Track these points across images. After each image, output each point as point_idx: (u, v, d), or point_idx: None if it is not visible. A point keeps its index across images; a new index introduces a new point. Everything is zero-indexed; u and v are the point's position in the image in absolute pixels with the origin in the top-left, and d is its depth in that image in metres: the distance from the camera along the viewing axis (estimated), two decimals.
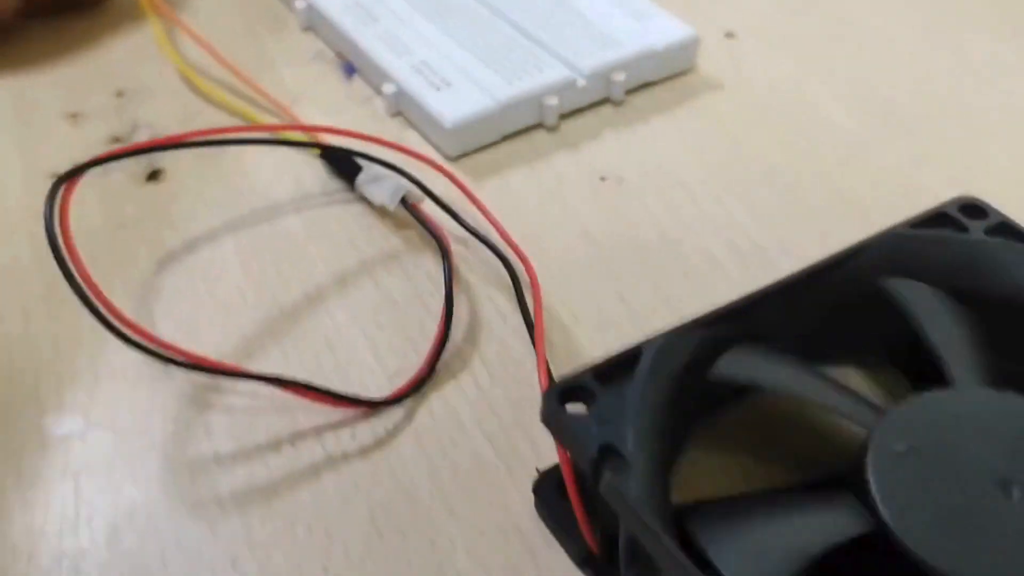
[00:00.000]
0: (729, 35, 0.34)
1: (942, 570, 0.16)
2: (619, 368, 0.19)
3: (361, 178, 0.26)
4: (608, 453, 0.17)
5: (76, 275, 0.19)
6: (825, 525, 0.17)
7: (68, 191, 0.20)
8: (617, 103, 0.31)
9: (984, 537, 0.16)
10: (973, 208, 0.22)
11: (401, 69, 0.30)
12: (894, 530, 0.16)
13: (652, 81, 0.32)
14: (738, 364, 0.19)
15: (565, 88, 0.30)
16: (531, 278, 0.23)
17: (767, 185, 0.28)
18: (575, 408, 0.18)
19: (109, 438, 0.22)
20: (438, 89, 0.29)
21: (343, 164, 0.27)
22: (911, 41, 0.34)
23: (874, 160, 0.29)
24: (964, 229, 0.22)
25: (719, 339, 0.20)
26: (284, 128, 0.29)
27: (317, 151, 0.28)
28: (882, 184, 0.28)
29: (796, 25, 0.35)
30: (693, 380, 0.19)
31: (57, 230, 0.20)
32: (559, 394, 0.18)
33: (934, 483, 0.17)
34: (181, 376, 0.23)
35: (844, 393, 0.19)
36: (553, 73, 0.30)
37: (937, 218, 0.22)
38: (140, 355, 0.21)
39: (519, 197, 0.28)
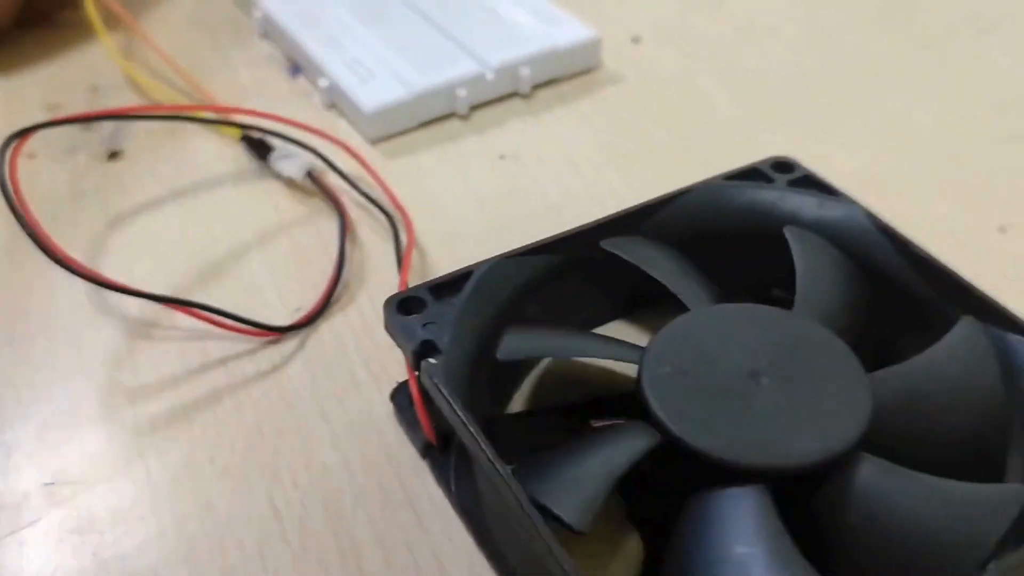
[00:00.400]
0: (635, 39, 0.39)
1: (720, 456, 0.19)
2: (452, 285, 0.22)
3: (273, 156, 0.31)
4: (428, 347, 0.21)
5: (20, 212, 0.24)
6: (625, 449, 0.20)
7: (17, 148, 0.25)
8: (524, 96, 0.35)
9: (745, 420, 0.20)
10: (783, 164, 0.26)
11: (334, 64, 0.34)
12: (678, 435, 0.19)
13: (559, 78, 0.36)
14: (520, 341, 0.22)
15: (475, 81, 0.34)
16: (408, 229, 0.27)
17: (646, 161, 0.32)
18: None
19: (49, 360, 0.26)
20: (364, 81, 0.33)
21: (257, 146, 0.31)
22: (796, 39, 0.38)
23: (745, 139, 0.33)
24: (771, 181, 0.25)
25: (548, 266, 0.24)
26: (208, 108, 0.33)
27: (239, 134, 0.32)
28: (748, 158, 0.32)
29: (697, 29, 0.39)
30: (520, 299, 0.23)
31: (7, 179, 0.24)
32: (397, 303, 0.22)
33: (699, 389, 0.20)
34: (116, 312, 0.27)
35: (611, 343, 0.23)
36: (464, 67, 0.34)
37: (750, 172, 0.26)
38: (82, 290, 0.25)
39: (426, 173, 0.32)
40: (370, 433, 0.24)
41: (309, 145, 0.31)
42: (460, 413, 0.19)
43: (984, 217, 0.30)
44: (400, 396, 0.24)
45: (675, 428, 0.19)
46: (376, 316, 0.27)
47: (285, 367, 0.26)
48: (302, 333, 0.26)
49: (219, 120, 0.32)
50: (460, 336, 0.21)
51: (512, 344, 0.22)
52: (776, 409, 0.20)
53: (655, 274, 0.23)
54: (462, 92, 0.33)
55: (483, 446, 0.19)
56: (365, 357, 0.26)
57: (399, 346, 0.22)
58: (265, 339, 0.26)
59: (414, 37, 0.36)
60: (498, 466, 0.18)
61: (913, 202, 0.30)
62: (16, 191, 0.24)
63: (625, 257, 0.23)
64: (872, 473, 0.19)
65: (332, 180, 0.31)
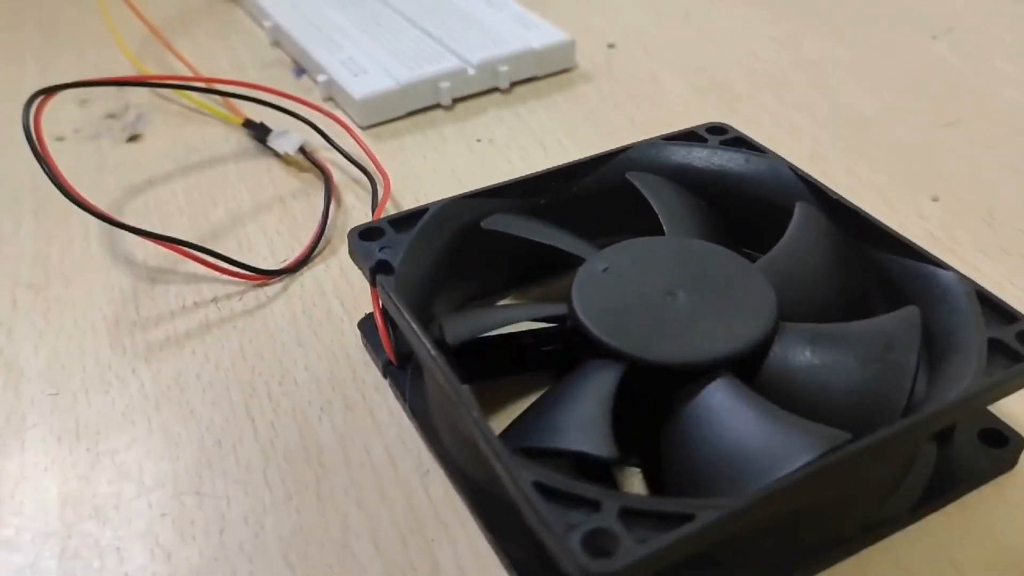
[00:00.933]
0: (611, 45, 0.42)
1: (614, 346, 0.22)
2: (409, 219, 0.25)
3: (271, 136, 0.34)
4: (383, 266, 0.24)
5: (42, 156, 0.27)
6: (601, 379, 0.22)
7: (42, 105, 0.28)
8: (504, 91, 0.38)
9: (654, 326, 0.22)
10: (717, 128, 0.29)
11: (331, 62, 0.38)
12: (580, 317, 0.22)
13: (536, 76, 0.39)
14: (500, 221, 0.26)
15: (457, 75, 0.37)
16: (385, 188, 0.31)
17: (609, 142, 0.34)
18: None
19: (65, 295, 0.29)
20: (356, 75, 0.37)
21: (257, 128, 0.35)
22: (758, 45, 0.41)
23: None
24: (705, 141, 0.28)
25: (496, 209, 0.26)
26: (217, 81, 0.37)
27: (241, 120, 0.36)
28: None
29: (666, 37, 0.43)
30: (470, 235, 0.26)
31: (32, 132, 0.28)
32: (359, 232, 0.25)
33: (619, 291, 0.23)
34: (123, 258, 0.30)
35: (573, 236, 0.26)
36: (448, 63, 0.37)
37: (687, 134, 0.29)
38: (95, 237, 0.28)
39: (408, 151, 0.35)
40: (339, 356, 0.27)
41: (306, 118, 0.34)
42: (406, 314, 0.22)
43: (919, 188, 0.32)
44: (366, 324, 0.27)
45: (582, 314, 0.22)
46: (352, 266, 0.30)
47: (269, 304, 0.29)
48: (286, 279, 0.29)
49: (228, 93, 0.35)
50: (412, 258, 0.24)
51: (455, 329, 0.23)
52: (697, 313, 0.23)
53: (653, 201, 0.26)
54: (445, 84, 0.37)
55: (421, 336, 0.21)
56: (340, 297, 0.29)
57: (359, 266, 0.24)
58: (253, 282, 0.29)
59: (404, 40, 0.39)
60: (433, 352, 0.21)
61: (853, 174, 0.33)
62: (40, 140, 0.28)
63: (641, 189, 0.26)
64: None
65: (323, 155, 0.34)
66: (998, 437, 0.23)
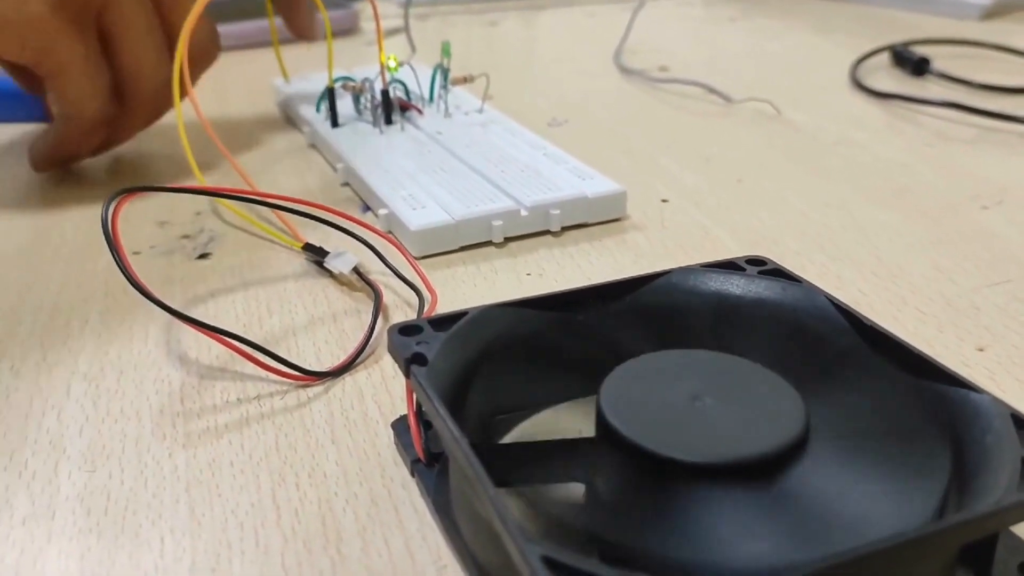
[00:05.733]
0: (664, 200, 0.44)
1: (650, 448, 0.22)
2: (449, 320, 0.26)
3: (328, 258, 0.36)
4: (418, 358, 0.25)
5: (117, 250, 0.29)
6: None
7: (120, 204, 0.30)
8: (555, 233, 0.40)
9: (680, 429, 0.23)
10: (756, 260, 0.29)
11: (393, 198, 0.40)
12: (615, 427, 0.23)
13: (588, 223, 0.41)
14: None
15: (509, 215, 0.39)
16: (432, 300, 0.32)
17: None
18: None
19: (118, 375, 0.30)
20: (414, 209, 0.39)
21: (316, 251, 0.37)
22: (810, 206, 0.43)
23: None
24: (742, 270, 0.29)
25: (531, 318, 0.27)
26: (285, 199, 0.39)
27: (300, 244, 0.38)
28: None
29: (719, 196, 0.44)
30: (504, 341, 0.27)
31: (110, 227, 0.30)
32: (399, 329, 0.26)
33: (647, 399, 0.23)
34: (177, 355, 0.32)
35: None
36: (501, 204, 0.39)
37: (726, 264, 0.29)
38: (155, 334, 0.30)
39: (459, 279, 0.37)
40: (371, 454, 0.27)
41: (365, 240, 0.36)
42: (434, 400, 0.23)
43: (966, 340, 0.32)
44: (400, 424, 0.27)
45: (616, 424, 0.22)
46: (394, 374, 0.30)
47: (309, 404, 0.29)
48: (328, 381, 0.30)
49: (298, 211, 0.37)
50: (446, 354, 0.25)
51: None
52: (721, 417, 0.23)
53: None
54: (498, 223, 0.39)
55: (447, 420, 0.22)
56: (378, 402, 0.29)
57: (395, 359, 0.25)
58: (297, 383, 0.30)
59: (463, 182, 0.42)
60: (456, 434, 0.21)
61: (899, 324, 0.33)
62: (115, 235, 0.30)
63: None
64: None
65: (376, 277, 0.35)
66: None
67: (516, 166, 0.43)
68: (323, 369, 0.30)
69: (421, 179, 0.42)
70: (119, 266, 0.29)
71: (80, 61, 0.41)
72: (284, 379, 0.30)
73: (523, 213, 0.39)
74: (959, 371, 0.29)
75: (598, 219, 0.41)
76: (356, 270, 0.35)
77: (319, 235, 0.38)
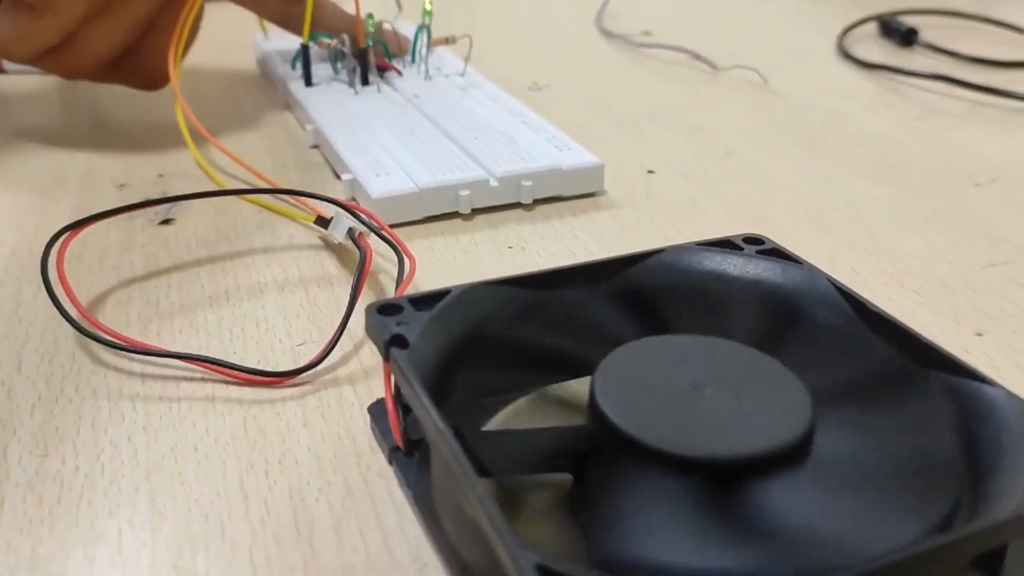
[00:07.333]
0: (650, 171, 0.42)
1: (649, 443, 0.20)
2: (430, 299, 0.24)
3: (330, 226, 0.34)
4: (398, 339, 0.23)
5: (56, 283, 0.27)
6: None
7: (66, 242, 0.29)
8: (526, 206, 0.38)
9: (682, 419, 0.21)
10: (754, 239, 0.28)
11: (358, 163, 0.39)
12: (610, 418, 0.21)
13: (562, 196, 0.39)
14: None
15: (478, 185, 0.37)
16: (411, 270, 0.30)
17: None
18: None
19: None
20: (378, 176, 0.37)
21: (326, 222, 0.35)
22: (800, 180, 0.41)
23: None
24: (740, 250, 0.27)
25: (516, 297, 0.26)
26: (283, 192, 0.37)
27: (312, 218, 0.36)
28: None
29: (707, 168, 0.43)
30: (488, 323, 0.25)
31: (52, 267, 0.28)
32: (377, 307, 0.24)
33: (645, 388, 0.22)
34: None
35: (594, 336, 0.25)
36: (471, 173, 0.38)
37: (722, 242, 0.28)
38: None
39: (438, 252, 0.35)
40: (345, 439, 0.25)
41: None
42: (417, 388, 0.21)
43: (964, 324, 0.31)
44: (376, 409, 0.26)
45: (611, 415, 0.21)
46: (370, 352, 0.29)
47: (277, 385, 0.27)
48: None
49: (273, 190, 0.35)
50: (429, 336, 0.23)
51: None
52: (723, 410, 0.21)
53: None
54: (464, 192, 0.37)
55: (430, 410, 0.20)
56: (353, 383, 0.28)
57: (373, 340, 0.23)
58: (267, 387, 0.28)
59: (435, 150, 0.40)
60: (441, 426, 0.20)
61: (896, 308, 0.32)
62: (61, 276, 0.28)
63: None
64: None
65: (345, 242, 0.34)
66: None
67: (492, 134, 0.41)
68: (293, 367, 0.28)
69: (390, 144, 0.40)
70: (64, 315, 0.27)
71: None
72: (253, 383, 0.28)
73: (492, 183, 0.38)
74: (960, 357, 0.28)
75: (573, 192, 0.39)
76: (351, 235, 0.33)
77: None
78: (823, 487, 0.20)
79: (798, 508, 0.20)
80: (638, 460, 0.21)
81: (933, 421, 0.21)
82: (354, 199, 0.38)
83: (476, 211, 0.38)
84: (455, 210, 0.37)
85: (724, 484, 0.20)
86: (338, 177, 0.41)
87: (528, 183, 0.38)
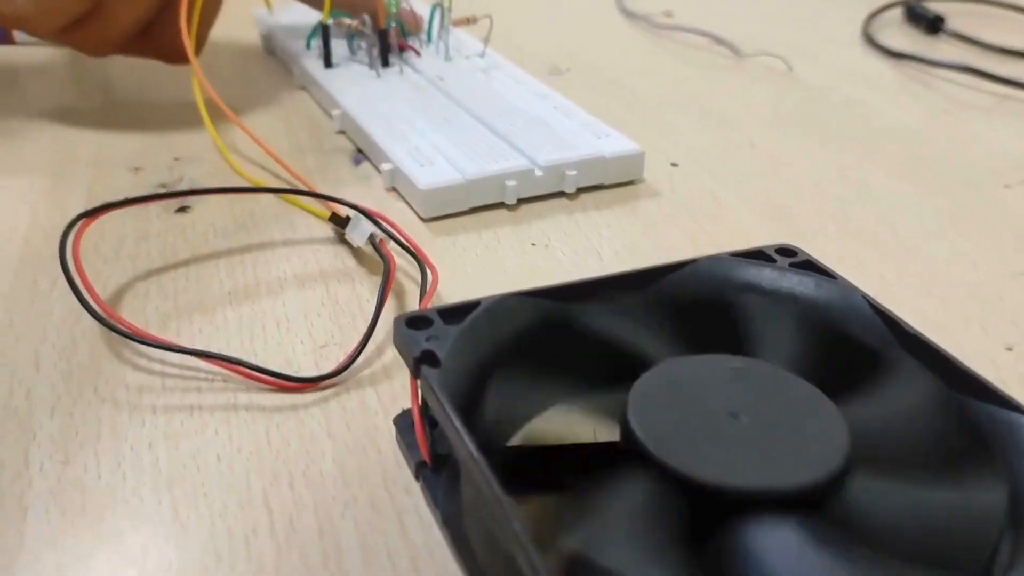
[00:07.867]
0: (674, 164, 0.41)
1: (683, 472, 0.20)
2: (460, 311, 0.24)
3: (348, 228, 0.33)
4: (428, 356, 0.22)
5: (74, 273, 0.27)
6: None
7: (83, 228, 0.28)
8: (571, 196, 0.38)
9: (718, 448, 0.21)
10: (786, 250, 0.27)
11: (397, 152, 0.38)
12: (643, 443, 0.21)
13: (604, 184, 0.39)
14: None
15: (523, 175, 0.37)
16: (434, 281, 0.30)
17: (663, 257, 0.34)
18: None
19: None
20: (422, 166, 0.36)
21: (341, 221, 0.34)
22: (825, 175, 0.40)
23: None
24: (773, 261, 0.27)
25: (547, 309, 0.25)
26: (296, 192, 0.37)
27: (327, 214, 0.35)
28: None
29: (731, 162, 0.42)
30: (519, 337, 0.24)
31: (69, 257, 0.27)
32: (406, 320, 0.24)
33: (680, 414, 0.22)
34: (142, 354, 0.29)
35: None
36: (515, 162, 0.37)
37: (755, 253, 0.27)
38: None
39: (461, 249, 0.34)
40: (371, 451, 0.25)
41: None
42: (448, 410, 0.21)
43: (994, 336, 0.30)
44: (402, 420, 0.25)
45: (644, 440, 0.20)
46: (394, 358, 0.28)
47: (300, 391, 0.27)
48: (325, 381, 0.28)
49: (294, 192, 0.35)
50: (459, 352, 0.23)
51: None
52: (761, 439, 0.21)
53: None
54: (511, 183, 0.36)
55: (463, 434, 0.20)
56: (378, 392, 0.27)
57: (402, 356, 0.23)
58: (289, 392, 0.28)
59: (473, 137, 0.39)
60: (475, 453, 0.19)
61: (922, 316, 0.31)
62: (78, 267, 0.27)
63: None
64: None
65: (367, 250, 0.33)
66: None
67: (524, 119, 0.41)
68: (317, 370, 0.28)
69: (425, 131, 0.39)
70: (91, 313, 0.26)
71: None
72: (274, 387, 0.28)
73: (538, 173, 0.37)
74: (990, 374, 0.28)
75: (614, 181, 0.39)
76: (372, 241, 0.32)
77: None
78: (838, 541, 0.20)
79: (834, 544, 0.20)
80: (671, 489, 0.20)
81: (974, 464, 0.21)
82: (394, 188, 0.38)
83: (520, 200, 0.37)
84: (500, 200, 0.37)
85: (760, 516, 0.20)
86: (357, 164, 0.40)
87: (572, 172, 0.37)
